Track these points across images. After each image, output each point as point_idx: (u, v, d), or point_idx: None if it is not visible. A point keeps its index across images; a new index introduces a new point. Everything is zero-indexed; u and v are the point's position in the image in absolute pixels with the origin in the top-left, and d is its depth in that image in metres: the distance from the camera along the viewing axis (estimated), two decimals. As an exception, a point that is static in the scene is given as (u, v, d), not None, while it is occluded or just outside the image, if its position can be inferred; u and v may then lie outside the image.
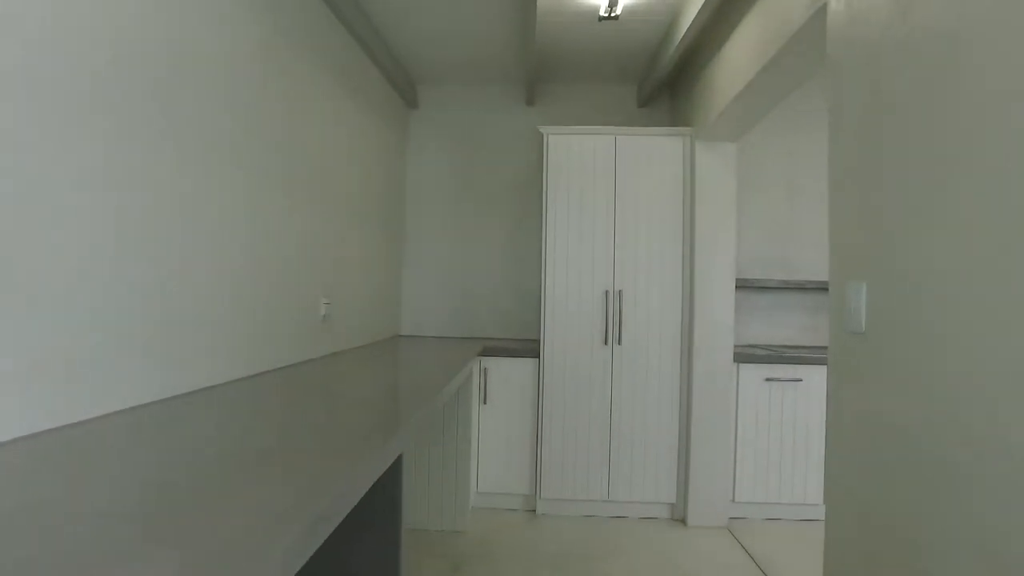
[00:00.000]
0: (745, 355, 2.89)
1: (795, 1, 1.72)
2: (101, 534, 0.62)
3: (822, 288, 3.34)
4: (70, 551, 0.58)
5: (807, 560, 2.45)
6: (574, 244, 2.95)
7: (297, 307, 2.13)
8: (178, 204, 1.43)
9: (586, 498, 2.92)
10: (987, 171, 0.90)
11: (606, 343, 2.92)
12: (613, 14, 2.60)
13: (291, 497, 0.73)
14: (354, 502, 0.83)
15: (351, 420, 1.19)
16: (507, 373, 2.99)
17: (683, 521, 2.88)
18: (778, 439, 2.87)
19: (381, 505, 1.15)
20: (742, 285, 3.27)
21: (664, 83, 3.31)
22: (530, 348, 3.00)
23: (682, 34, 2.57)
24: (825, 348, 3.30)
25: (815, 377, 2.86)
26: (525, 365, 2.98)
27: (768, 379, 2.87)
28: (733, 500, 2.88)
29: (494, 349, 2.99)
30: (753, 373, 2.88)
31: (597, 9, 2.63)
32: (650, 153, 2.94)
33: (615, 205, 2.94)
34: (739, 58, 2.27)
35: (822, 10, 1.53)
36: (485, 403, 2.98)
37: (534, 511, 2.98)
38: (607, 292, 2.93)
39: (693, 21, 2.43)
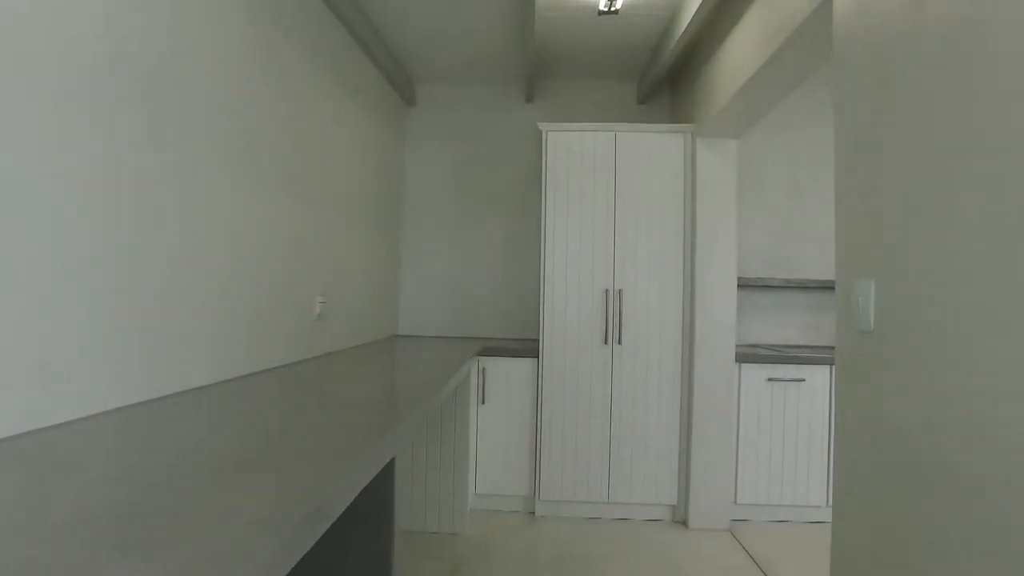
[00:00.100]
0: (747, 355, 2.86)
1: (799, -8, 1.68)
2: (63, 543, 0.58)
3: (825, 287, 3.31)
4: (21, 561, 0.54)
5: (810, 562, 2.41)
6: (574, 242, 2.92)
7: (291, 306, 2.09)
8: (168, 201, 1.40)
9: (586, 500, 2.89)
10: (1001, 166, 0.87)
11: (606, 343, 2.89)
12: (613, 8, 2.57)
13: (273, 504, 0.69)
14: (341, 509, 0.79)
15: (342, 422, 1.15)
16: (506, 373, 2.95)
17: (684, 523, 2.84)
18: (780, 440, 2.84)
19: (373, 510, 1.11)
20: (744, 284, 3.24)
21: (664, 79, 3.27)
22: (529, 348, 2.97)
23: (683, 28, 2.53)
24: (828, 348, 3.26)
25: (818, 377, 2.82)
26: (524, 365, 2.95)
27: (770, 379, 2.84)
28: (735, 502, 2.85)
29: (493, 349, 2.95)
30: (755, 373, 2.85)
31: (597, 3, 2.59)
32: (651, 150, 2.90)
33: (615, 203, 2.90)
34: (741, 53, 2.23)
35: (827, 2, 1.49)
36: (484, 403, 2.94)
37: (533, 513, 2.94)
38: (607, 291, 2.89)
39: (694, 15, 2.39)
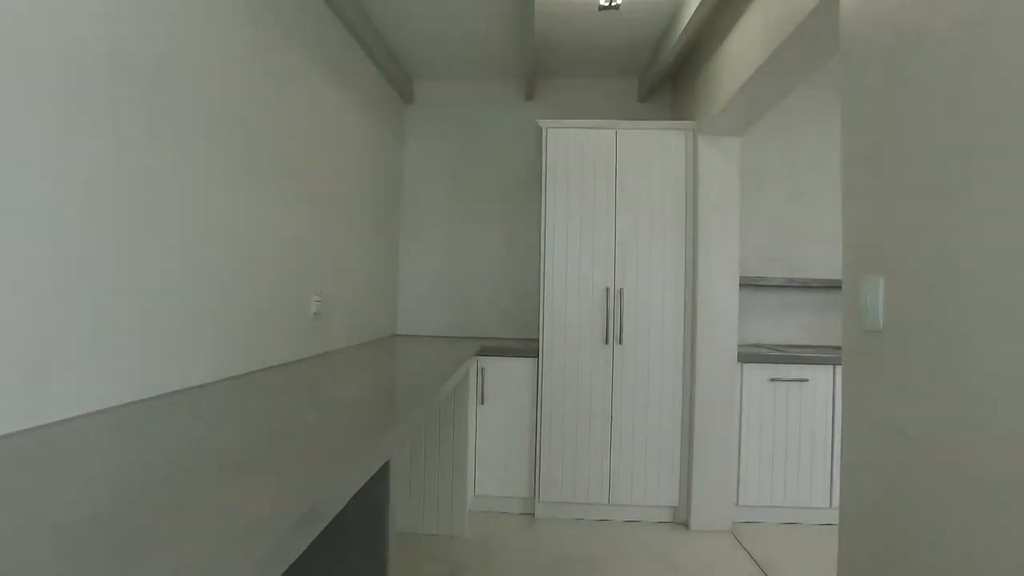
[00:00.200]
0: (749, 355, 2.83)
1: (804, -15, 1.65)
2: (59, 542, 0.55)
3: (828, 286, 3.28)
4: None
5: (814, 565, 2.38)
6: (574, 241, 2.88)
7: (289, 305, 2.06)
8: (168, 200, 1.38)
9: (586, 501, 2.85)
10: (1018, 160, 0.83)
11: (606, 342, 2.85)
12: (614, 3, 2.54)
13: (260, 510, 0.66)
14: (334, 512, 0.76)
15: (334, 424, 1.12)
16: (505, 373, 2.92)
17: (686, 525, 2.81)
18: (783, 441, 2.81)
19: (368, 513, 1.08)
20: (746, 283, 3.21)
21: (666, 76, 3.23)
22: (529, 347, 2.93)
23: (685, 24, 2.50)
24: (831, 348, 3.23)
25: (821, 377, 2.79)
26: (524, 365, 2.91)
27: (773, 379, 2.81)
28: (737, 503, 2.81)
29: (492, 348, 2.92)
30: (757, 373, 2.82)
31: (597, -1, 2.56)
32: (652, 148, 2.87)
33: (616, 201, 2.87)
34: (744, 48, 2.20)
35: (833, -7, 1.46)
36: (483, 404, 2.91)
37: (533, 514, 2.91)
38: (607, 290, 2.86)
39: (696, 10, 2.36)
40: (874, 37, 1.20)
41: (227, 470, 0.82)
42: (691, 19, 2.43)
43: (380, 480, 1.05)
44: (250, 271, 1.80)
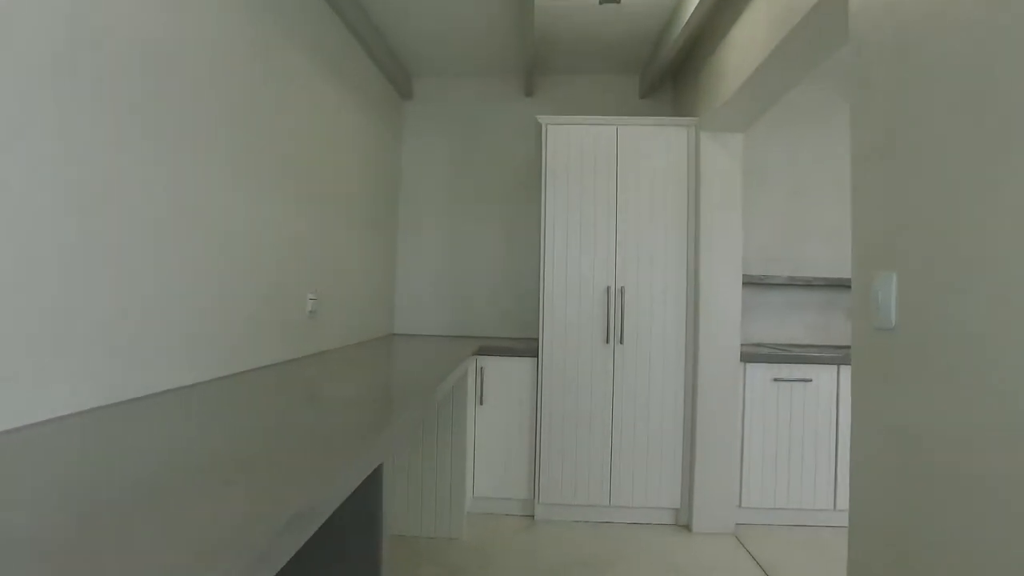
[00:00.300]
0: (752, 354, 2.79)
1: (810, -25, 1.61)
2: (39, 544, 0.51)
3: (832, 285, 3.24)
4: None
5: (817, 568, 2.34)
6: (574, 239, 2.84)
7: (285, 304, 2.03)
8: (160, 198, 1.36)
9: (587, 503, 2.81)
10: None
11: (607, 342, 2.82)
12: (615, -2, 2.49)
13: (239, 519, 0.62)
14: (324, 517, 0.72)
15: (326, 425, 1.08)
16: (505, 373, 2.88)
17: (688, 527, 2.77)
18: (786, 442, 2.77)
19: (360, 517, 1.04)
20: (748, 282, 3.17)
21: (667, 71, 3.19)
22: (529, 347, 2.90)
23: (687, 18, 2.46)
24: (835, 347, 3.19)
25: (824, 377, 2.75)
26: (523, 364, 2.87)
27: (776, 379, 2.77)
28: (740, 505, 2.77)
29: (491, 348, 2.88)
30: (760, 373, 2.78)
31: (598, -7, 2.52)
32: (653, 144, 2.83)
33: (616, 198, 2.83)
34: (747, 42, 2.16)
35: (841, -18, 1.42)
36: (482, 404, 2.87)
37: (532, 516, 2.87)
38: (608, 289, 2.82)
39: (699, 3, 2.31)
40: (887, 25, 1.16)
41: (217, 470, 0.78)
42: (693, 13, 2.39)
43: (373, 481, 1.01)
44: (248, 270, 1.78)
